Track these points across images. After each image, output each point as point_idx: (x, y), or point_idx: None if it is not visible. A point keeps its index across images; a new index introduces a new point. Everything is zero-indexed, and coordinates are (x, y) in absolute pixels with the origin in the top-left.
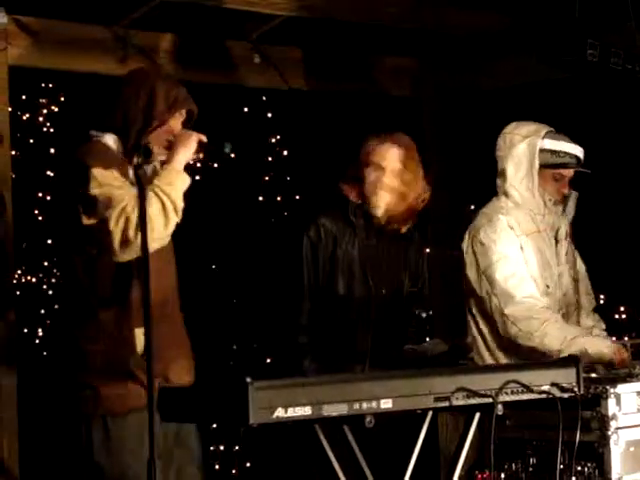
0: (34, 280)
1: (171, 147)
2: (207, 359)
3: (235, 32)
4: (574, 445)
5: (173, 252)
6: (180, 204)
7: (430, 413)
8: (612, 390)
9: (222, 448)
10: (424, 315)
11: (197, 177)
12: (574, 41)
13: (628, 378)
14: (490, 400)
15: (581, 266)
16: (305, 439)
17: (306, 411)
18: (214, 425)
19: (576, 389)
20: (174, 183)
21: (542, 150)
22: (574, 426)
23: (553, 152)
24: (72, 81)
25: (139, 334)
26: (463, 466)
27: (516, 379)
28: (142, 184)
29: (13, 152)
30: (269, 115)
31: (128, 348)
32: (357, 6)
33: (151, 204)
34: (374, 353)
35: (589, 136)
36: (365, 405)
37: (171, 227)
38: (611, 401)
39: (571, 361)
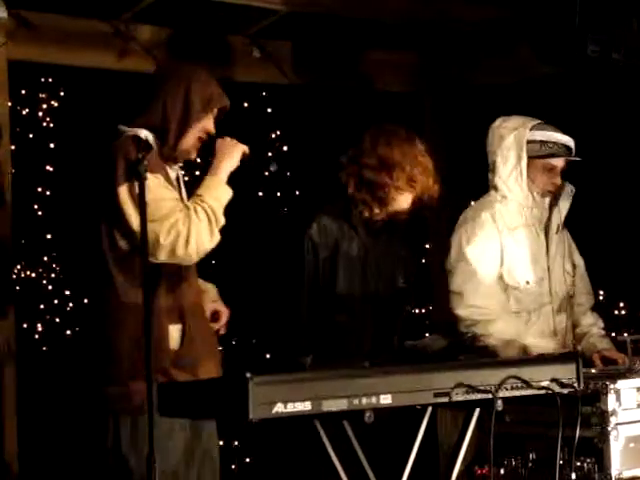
0: (34, 275)
1: (213, 153)
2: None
3: (235, 27)
4: (574, 441)
5: None
6: (222, 221)
7: (430, 409)
8: (612, 386)
9: (221, 443)
10: (409, 309)
11: (197, 173)
12: (575, 36)
13: (628, 374)
14: (490, 396)
15: (579, 261)
16: (305, 434)
17: (306, 406)
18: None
19: (576, 385)
20: (221, 199)
21: (530, 141)
22: (574, 422)
23: (542, 143)
24: (72, 76)
25: (172, 331)
26: (463, 461)
27: (516, 375)
28: (142, 178)
29: (13, 147)
30: (269, 110)
31: (160, 345)
32: (358, 0)
33: (200, 219)
34: (374, 350)
35: (589, 132)
36: (365, 400)
37: (214, 243)
38: (611, 397)
39: (571, 357)
